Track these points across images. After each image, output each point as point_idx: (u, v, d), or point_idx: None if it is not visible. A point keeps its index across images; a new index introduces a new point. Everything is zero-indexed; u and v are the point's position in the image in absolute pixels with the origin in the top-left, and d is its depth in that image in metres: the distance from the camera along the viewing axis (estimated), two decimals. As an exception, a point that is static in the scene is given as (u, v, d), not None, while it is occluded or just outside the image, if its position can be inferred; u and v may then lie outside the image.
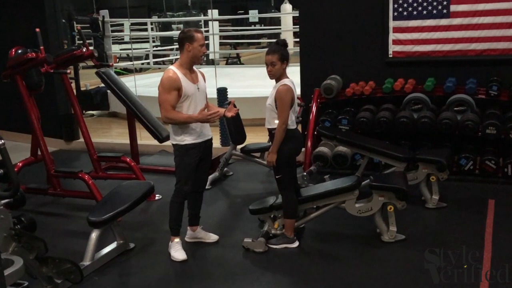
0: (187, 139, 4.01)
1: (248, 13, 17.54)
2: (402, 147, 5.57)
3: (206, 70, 10.52)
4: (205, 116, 3.92)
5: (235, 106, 4.12)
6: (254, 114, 6.98)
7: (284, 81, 4.03)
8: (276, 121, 4.01)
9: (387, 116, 5.70)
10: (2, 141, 3.11)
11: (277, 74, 4.05)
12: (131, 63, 12.67)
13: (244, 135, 5.91)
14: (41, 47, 5.16)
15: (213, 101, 6.79)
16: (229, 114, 4.09)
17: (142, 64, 13.54)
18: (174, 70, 3.96)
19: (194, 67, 4.13)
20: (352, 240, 4.33)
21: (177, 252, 4.11)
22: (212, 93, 7.01)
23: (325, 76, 6.17)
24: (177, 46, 4.32)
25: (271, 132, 4.12)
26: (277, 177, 4.16)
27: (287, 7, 14.96)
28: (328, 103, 6.18)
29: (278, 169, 4.11)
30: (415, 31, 5.86)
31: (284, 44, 4.11)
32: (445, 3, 5.70)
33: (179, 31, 4.96)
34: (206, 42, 14.57)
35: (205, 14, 15.85)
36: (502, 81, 5.52)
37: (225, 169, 6.16)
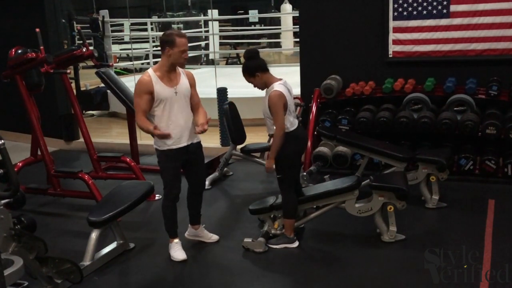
0: (165, 145, 3.94)
1: (248, 13, 17.50)
2: (402, 147, 5.56)
3: (206, 70, 10.62)
4: (155, 132, 3.79)
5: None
6: (254, 114, 6.96)
7: (274, 86, 3.97)
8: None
9: (387, 116, 5.70)
10: (2, 141, 3.11)
11: (261, 86, 4.06)
12: (131, 63, 12.66)
13: (244, 135, 5.90)
14: (41, 47, 5.16)
15: (213, 101, 6.82)
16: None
17: (142, 64, 13.52)
18: (149, 73, 3.89)
19: (179, 68, 4.04)
20: (352, 240, 4.33)
21: (177, 252, 4.11)
22: (212, 93, 7.02)
23: (325, 76, 6.17)
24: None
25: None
26: (278, 176, 4.16)
27: (287, 7, 14.92)
28: (328, 103, 6.18)
29: (279, 169, 4.11)
30: (415, 31, 5.86)
31: (250, 56, 4.05)
32: (445, 3, 5.70)
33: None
34: (206, 42, 14.70)
35: (205, 14, 15.81)
36: (502, 81, 5.53)
37: (225, 169, 6.16)
